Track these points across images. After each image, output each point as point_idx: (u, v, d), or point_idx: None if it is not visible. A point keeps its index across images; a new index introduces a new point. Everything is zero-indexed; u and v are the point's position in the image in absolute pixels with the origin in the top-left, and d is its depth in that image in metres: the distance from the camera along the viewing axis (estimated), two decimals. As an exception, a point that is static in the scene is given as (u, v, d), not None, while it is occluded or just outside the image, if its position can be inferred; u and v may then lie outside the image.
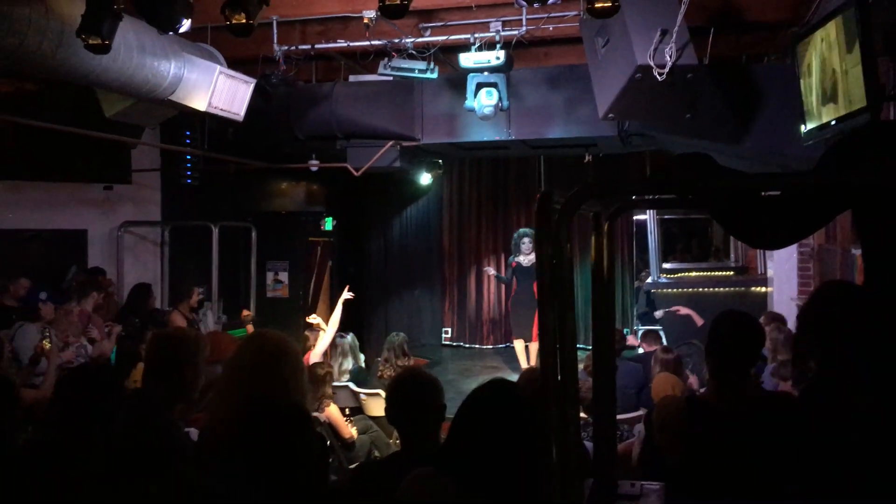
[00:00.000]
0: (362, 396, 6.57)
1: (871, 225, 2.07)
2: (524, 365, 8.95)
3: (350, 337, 7.30)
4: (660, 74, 4.76)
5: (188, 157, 8.52)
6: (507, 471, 1.99)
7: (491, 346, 11.67)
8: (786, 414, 2.57)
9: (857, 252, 5.87)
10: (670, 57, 4.74)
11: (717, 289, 9.23)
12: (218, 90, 5.60)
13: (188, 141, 8.24)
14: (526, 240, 9.06)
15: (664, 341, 6.84)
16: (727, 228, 2.44)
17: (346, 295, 7.24)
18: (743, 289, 9.05)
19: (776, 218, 2.07)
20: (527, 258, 9.01)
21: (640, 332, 8.33)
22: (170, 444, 2.61)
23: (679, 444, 2.72)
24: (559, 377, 1.57)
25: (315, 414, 5.50)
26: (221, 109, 5.74)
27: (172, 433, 2.76)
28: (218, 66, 5.62)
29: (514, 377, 8.79)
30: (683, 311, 7.96)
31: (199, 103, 5.54)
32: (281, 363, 2.60)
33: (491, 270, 10.28)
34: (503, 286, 10.79)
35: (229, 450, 2.19)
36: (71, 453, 2.03)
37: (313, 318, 7.30)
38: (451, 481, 1.98)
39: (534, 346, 9.03)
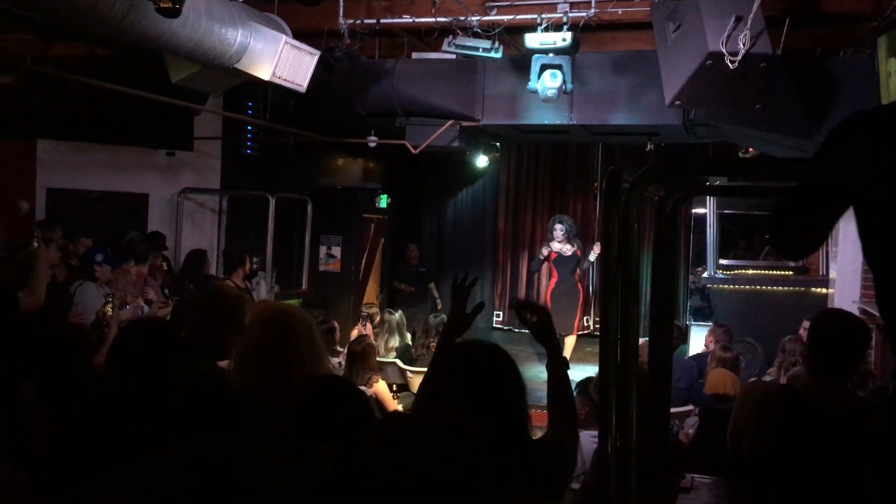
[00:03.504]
0: (409, 374, 6.59)
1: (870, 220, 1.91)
2: None
3: (398, 315, 7.34)
4: (731, 62, 4.63)
5: (249, 127, 8.59)
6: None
7: (539, 333, 11.59)
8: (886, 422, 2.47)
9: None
10: (743, 45, 4.61)
11: (775, 287, 8.99)
12: (283, 60, 5.61)
13: (250, 111, 8.31)
14: (558, 226, 8.87)
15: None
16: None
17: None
18: (802, 289, 8.80)
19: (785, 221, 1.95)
20: (565, 247, 8.86)
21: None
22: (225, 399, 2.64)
23: (765, 431, 2.63)
24: (619, 364, 1.52)
25: (363, 388, 5.54)
26: (285, 80, 5.75)
27: (225, 387, 2.79)
28: (284, 37, 5.62)
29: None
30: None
31: (263, 72, 5.56)
32: (289, 333, 2.60)
33: (546, 251, 9.92)
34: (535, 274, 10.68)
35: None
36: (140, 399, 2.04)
37: (369, 308, 7.41)
38: None
39: (570, 340, 8.89)
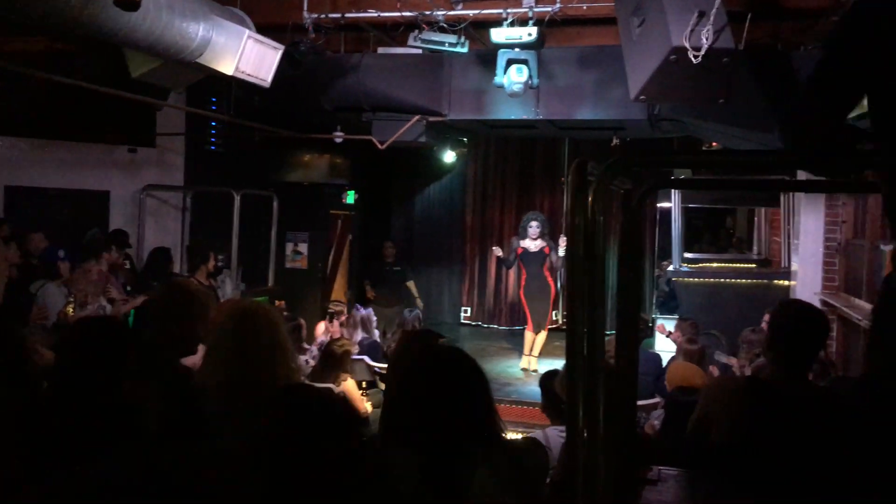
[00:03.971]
0: (377, 370, 6.56)
1: None
2: (527, 353, 8.91)
3: (367, 311, 7.32)
4: (695, 57, 4.65)
5: (213, 122, 8.49)
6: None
7: (507, 328, 11.63)
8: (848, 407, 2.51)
9: (887, 247, 5.76)
10: (706, 40, 4.63)
11: (738, 280, 9.11)
12: (246, 55, 5.54)
13: (213, 107, 8.21)
14: (534, 223, 8.85)
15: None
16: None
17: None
18: (765, 281, 8.93)
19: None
20: (534, 244, 8.83)
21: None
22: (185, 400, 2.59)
23: (733, 420, 2.65)
24: (586, 359, 1.51)
25: (331, 386, 5.51)
26: (248, 74, 5.68)
27: (186, 385, 2.75)
28: (247, 31, 5.56)
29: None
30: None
31: (226, 67, 5.49)
32: (260, 334, 2.57)
33: (499, 251, 9.57)
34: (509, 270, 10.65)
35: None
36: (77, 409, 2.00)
37: (336, 305, 7.37)
38: None
39: (541, 335, 8.93)
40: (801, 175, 6.30)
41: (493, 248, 9.94)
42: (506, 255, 9.05)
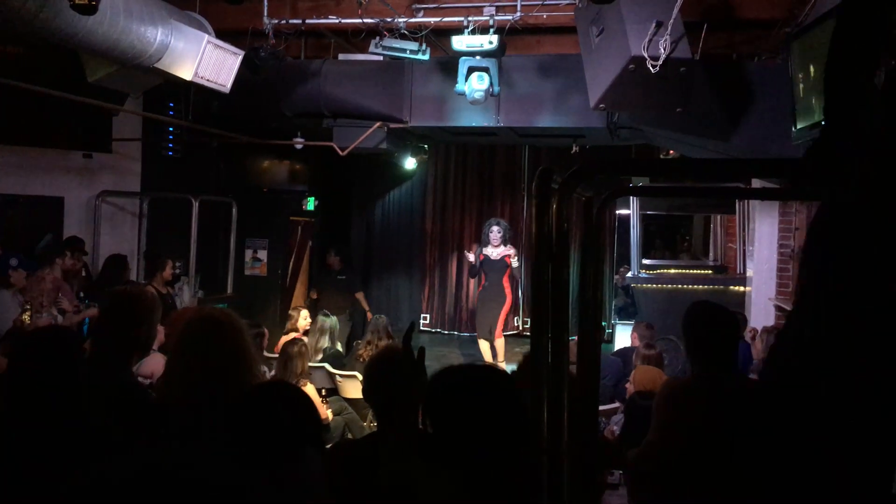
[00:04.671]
0: (338, 378, 6.52)
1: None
2: (488, 360, 8.73)
3: (334, 319, 7.26)
4: (653, 67, 4.73)
5: (171, 128, 8.37)
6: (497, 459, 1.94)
7: (468, 334, 11.63)
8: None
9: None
10: (664, 49, 4.71)
11: (695, 286, 9.27)
12: (205, 60, 5.49)
13: (171, 112, 8.11)
14: (495, 229, 8.80)
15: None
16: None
17: None
18: (721, 287, 9.10)
19: None
20: (495, 251, 8.77)
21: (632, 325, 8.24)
22: (134, 406, 2.55)
23: (685, 424, 2.69)
24: (550, 365, 1.53)
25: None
26: (207, 80, 5.63)
27: (135, 393, 2.71)
28: (206, 36, 5.50)
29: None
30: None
31: (185, 72, 5.43)
32: (219, 339, 2.53)
33: (472, 256, 9.47)
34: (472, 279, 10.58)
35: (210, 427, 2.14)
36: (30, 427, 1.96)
37: (295, 311, 7.30)
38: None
39: (499, 343, 8.85)
40: (756, 183, 6.44)
41: (466, 251, 9.93)
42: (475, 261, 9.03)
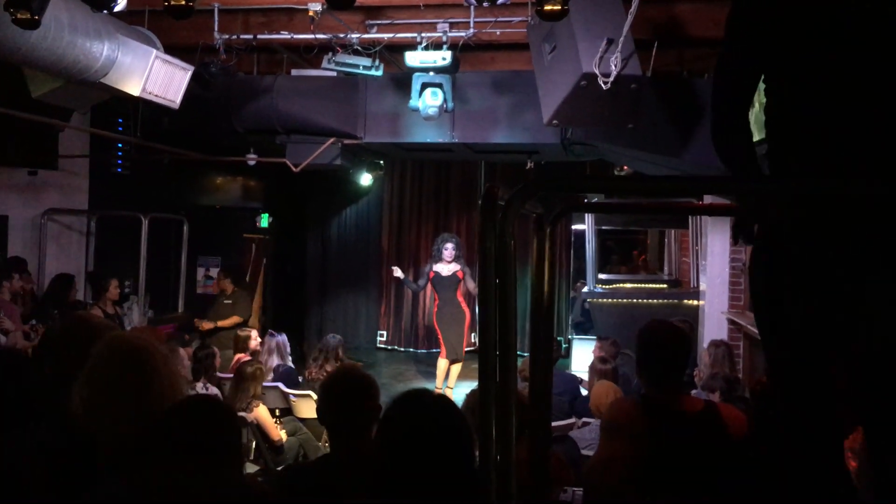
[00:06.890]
0: (292, 397, 6.42)
1: None
2: (440, 385, 8.57)
3: (282, 337, 7.16)
4: (604, 83, 4.76)
5: (119, 144, 8.22)
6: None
7: (425, 351, 11.58)
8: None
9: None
10: (615, 66, 4.74)
11: (650, 300, 9.36)
12: (153, 75, 5.39)
13: (120, 128, 7.96)
14: (450, 245, 8.65)
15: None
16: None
17: None
18: (676, 301, 9.20)
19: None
20: (447, 267, 8.64)
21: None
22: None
23: (638, 445, 2.68)
24: (498, 382, 1.50)
25: (242, 414, 5.35)
26: (156, 95, 5.53)
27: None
28: (154, 51, 5.41)
29: (448, 382, 8.71)
30: None
31: (132, 88, 5.33)
32: (140, 367, 2.39)
33: (398, 272, 9.17)
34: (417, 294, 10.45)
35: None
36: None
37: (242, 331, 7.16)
38: None
39: (456, 368, 8.69)
40: (708, 198, 6.52)
41: (392, 267, 9.62)
42: (414, 277, 8.87)
